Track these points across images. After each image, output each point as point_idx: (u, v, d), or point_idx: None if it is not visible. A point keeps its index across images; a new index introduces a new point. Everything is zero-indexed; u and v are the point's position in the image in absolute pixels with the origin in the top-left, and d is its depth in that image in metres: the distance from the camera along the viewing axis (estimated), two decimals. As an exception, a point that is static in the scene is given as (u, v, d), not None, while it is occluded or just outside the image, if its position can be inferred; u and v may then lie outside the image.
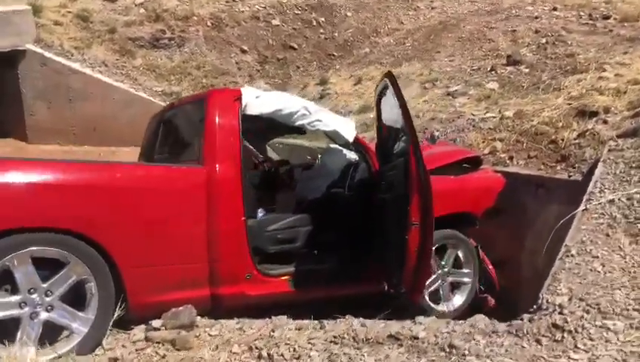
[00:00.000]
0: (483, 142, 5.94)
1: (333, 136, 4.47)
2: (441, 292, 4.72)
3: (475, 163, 5.27)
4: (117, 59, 9.76)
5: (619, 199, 3.26)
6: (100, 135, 9.58)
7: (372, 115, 8.41)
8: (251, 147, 5.69)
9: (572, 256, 2.78)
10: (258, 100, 4.06)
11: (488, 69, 8.89)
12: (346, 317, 2.98)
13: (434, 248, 4.58)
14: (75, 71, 9.22)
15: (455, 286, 4.85)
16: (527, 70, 8.35)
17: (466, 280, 4.84)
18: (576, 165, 4.73)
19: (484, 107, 7.24)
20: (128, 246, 3.28)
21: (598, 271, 2.59)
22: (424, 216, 3.30)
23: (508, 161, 5.40)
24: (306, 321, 3.01)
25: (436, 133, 5.87)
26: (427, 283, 4.58)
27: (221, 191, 3.61)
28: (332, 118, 4.38)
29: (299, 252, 4.26)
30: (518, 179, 5.16)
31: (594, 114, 5.36)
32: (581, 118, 5.45)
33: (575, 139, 5.10)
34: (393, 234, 3.70)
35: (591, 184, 3.61)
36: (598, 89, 6.12)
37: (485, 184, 4.91)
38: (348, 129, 4.37)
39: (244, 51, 10.79)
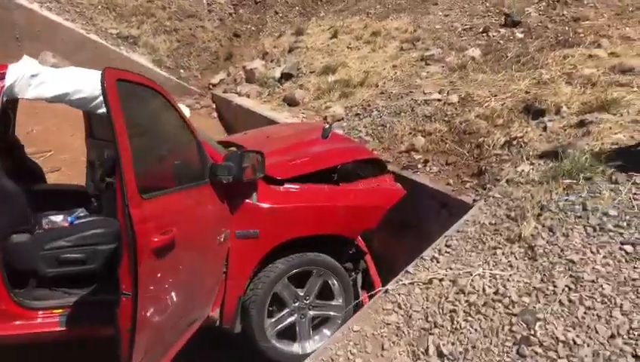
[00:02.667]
0: (409, 133, 4.76)
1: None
2: (297, 329, 3.80)
3: (378, 165, 4.20)
4: (72, -5, 8.86)
5: (440, 281, 2.17)
6: (51, 78, 8.87)
7: (332, 78, 7.28)
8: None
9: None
10: (35, 80, 3.13)
11: (480, 29, 7.42)
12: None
13: (293, 273, 3.70)
14: (19, 5, 8.43)
15: (322, 321, 3.91)
16: (521, 35, 6.87)
17: (333, 314, 3.88)
18: (487, 186, 3.56)
19: (448, 82, 5.94)
20: None
21: None
22: (135, 285, 2.32)
23: (420, 166, 4.24)
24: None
25: (334, 125, 4.70)
26: (277, 317, 3.72)
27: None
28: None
29: (95, 275, 3.41)
30: (423, 192, 4.03)
31: (540, 113, 4.08)
32: (525, 116, 4.18)
33: (502, 146, 3.87)
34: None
35: (435, 242, 2.50)
36: (570, 74, 4.75)
37: (368, 199, 3.82)
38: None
39: (218, -9, 9.64)
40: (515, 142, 3.76)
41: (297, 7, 9.66)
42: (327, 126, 4.27)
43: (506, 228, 2.48)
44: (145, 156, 2.40)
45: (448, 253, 2.42)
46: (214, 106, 8.48)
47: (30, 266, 3.22)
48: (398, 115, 5.22)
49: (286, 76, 7.66)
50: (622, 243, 2.21)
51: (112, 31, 8.79)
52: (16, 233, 3.20)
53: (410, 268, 2.41)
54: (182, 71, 8.87)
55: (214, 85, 8.73)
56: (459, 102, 4.92)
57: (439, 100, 5.14)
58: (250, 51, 9.06)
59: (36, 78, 3.10)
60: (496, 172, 3.62)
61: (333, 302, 3.88)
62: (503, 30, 7.20)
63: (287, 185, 3.69)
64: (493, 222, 2.60)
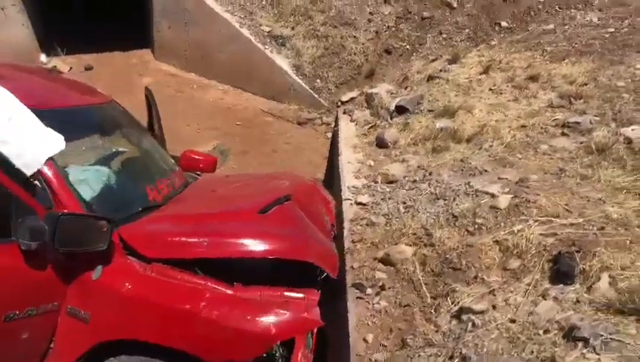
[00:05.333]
0: (413, 234, 3.38)
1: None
2: None
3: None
4: (240, -16, 8.91)
5: None
6: (206, 65, 9.21)
7: (440, 123, 5.85)
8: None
9: None
10: None
11: (672, 102, 5.14)
12: None
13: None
14: (191, -8, 8.82)
15: None
16: None
17: None
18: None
19: (557, 168, 4.16)
20: None
21: None
22: None
23: (371, 291, 2.93)
24: None
25: (291, 197, 3.39)
26: None
27: None
28: (24, 137, 2.84)
29: None
30: (348, 331, 2.78)
31: (565, 275, 2.40)
32: (548, 270, 2.54)
33: (457, 313, 2.38)
34: None
35: None
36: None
37: (253, 320, 2.70)
38: (32, 157, 2.81)
39: (386, 0, 8.61)
40: (471, 316, 2.23)
41: (468, 30, 8.11)
42: (282, 197, 3.21)
43: None
44: None
45: None
46: (333, 125, 7.72)
47: None
48: (436, 201, 3.79)
49: (400, 109, 6.46)
50: None
51: (264, 28, 8.63)
52: None
53: None
54: (318, 81, 8.28)
55: (343, 102, 7.92)
56: (506, 208, 3.31)
57: (491, 197, 3.55)
58: (395, 72, 7.97)
59: None
60: (420, 357, 2.20)
61: None
62: None
63: (156, 267, 2.84)
64: None
